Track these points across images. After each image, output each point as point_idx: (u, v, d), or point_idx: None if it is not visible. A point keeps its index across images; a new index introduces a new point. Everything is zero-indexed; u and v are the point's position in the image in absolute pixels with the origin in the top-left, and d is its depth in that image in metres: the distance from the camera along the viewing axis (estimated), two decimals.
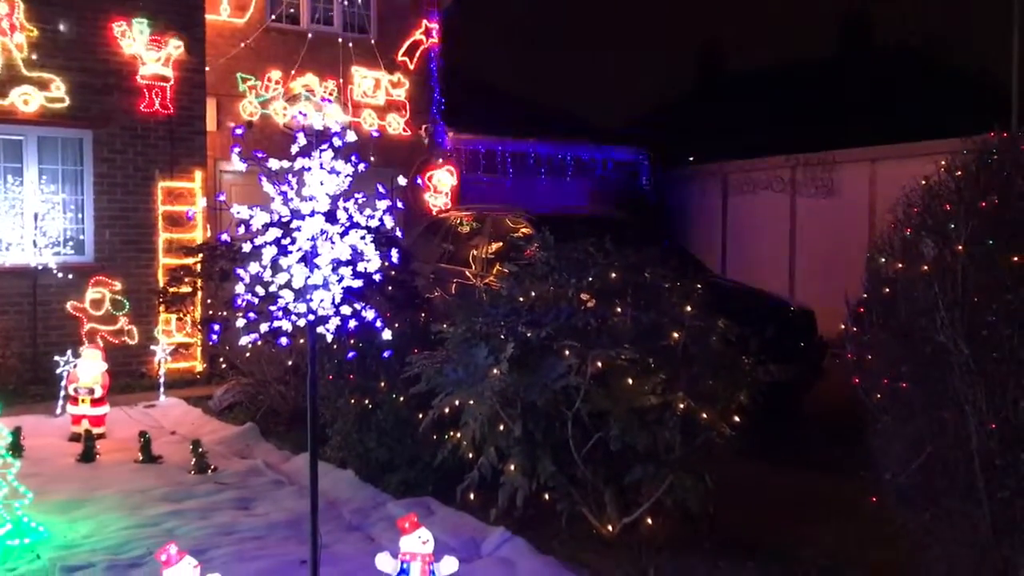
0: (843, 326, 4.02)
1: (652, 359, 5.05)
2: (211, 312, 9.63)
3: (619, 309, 5.30)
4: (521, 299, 5.49)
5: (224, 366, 9.68)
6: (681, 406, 4.99)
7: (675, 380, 5.04)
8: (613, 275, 5.34)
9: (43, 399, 9.15)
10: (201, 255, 9.50)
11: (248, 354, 8.67)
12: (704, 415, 5.05)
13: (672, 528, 5.32)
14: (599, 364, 4.98)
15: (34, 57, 10.13)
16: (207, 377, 10.77)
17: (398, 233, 4.60)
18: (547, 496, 5.36)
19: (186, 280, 9.86)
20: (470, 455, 5.49)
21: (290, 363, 8.19)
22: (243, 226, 4.28)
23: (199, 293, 10.11)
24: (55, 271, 10.20)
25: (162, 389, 9.65)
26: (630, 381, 4.97)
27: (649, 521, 5.27)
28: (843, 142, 15.24)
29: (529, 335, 5.08)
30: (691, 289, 5.55)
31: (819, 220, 15.05)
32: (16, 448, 7.11)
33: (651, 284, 5.42)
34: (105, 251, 10.68)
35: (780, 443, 7.09)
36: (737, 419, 5.28)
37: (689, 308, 5.35)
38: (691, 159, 18.29)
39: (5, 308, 10.11)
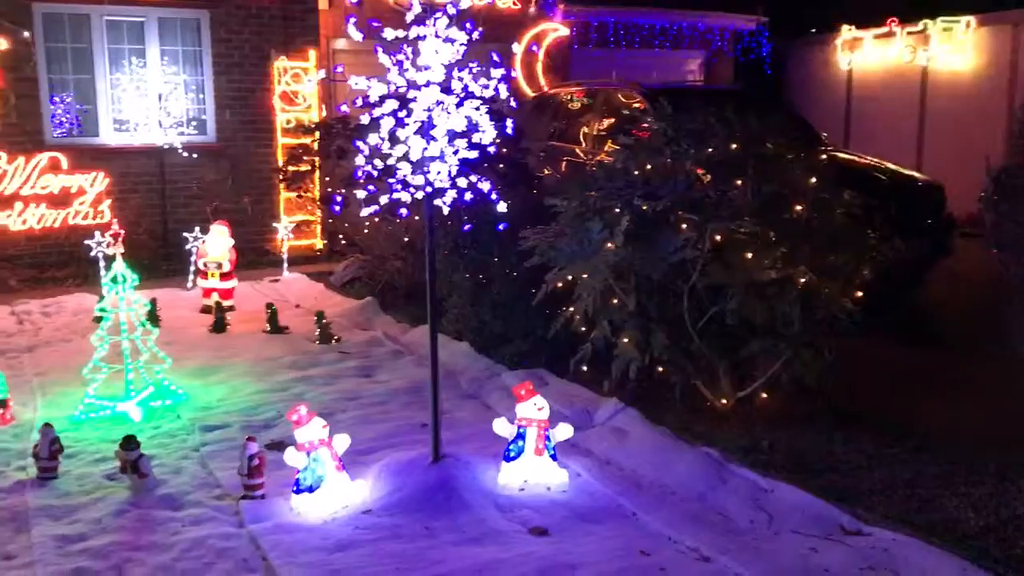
0: (982, 194, 3.80)
1: (773, 232, 4.93)
2: (329, 189, 9.83)
3: (739, 181, 5.15)
4: (636, 172, 5.40)
5: (344, 243, 9.94)
6: (802, 280, 4.88)
7: (796, 254, 4.92)
8: (733, 146, 5.17)
9: (174, 274, 9.61)
10: (318, 133, 9.64)
11: (366, 231, 8.87)
12: (826, 289, 4.93)
13: (786, 402, 5.30)
14: (717, 237, 4.89)
15: None
16: (327, 254, 11.10)
17: (512, 104, 4.54)
18: (660, 369, 5.39)
19: (304, 159, 10.06)
20: (583, 329, 5.54)
21: (406, 239, 8.33)
22: (361, 99, 4.31)
23: (317, 171, 10.32)
24: (180, 151, 10.55)
25: (285, 265, 10.00)
26: (749, 255, 4.87)
27: (764, 395, 5.26)
28: (979, 6, 14.12)
29: (645, 208, 5.02)
30: (815, 161, 5.34)
31: (953, 91, 14.14)
32: (153, 318, 7.55)
33: (773, 155, 5.22)
34: (226, 131, 10.96)
35: (902, 320, 6.89)
36: (860, 294, 5.14)
37: (813, 180, 5.16)
38: (813, 29, 17.31)
39: (136, 186, 10.56)
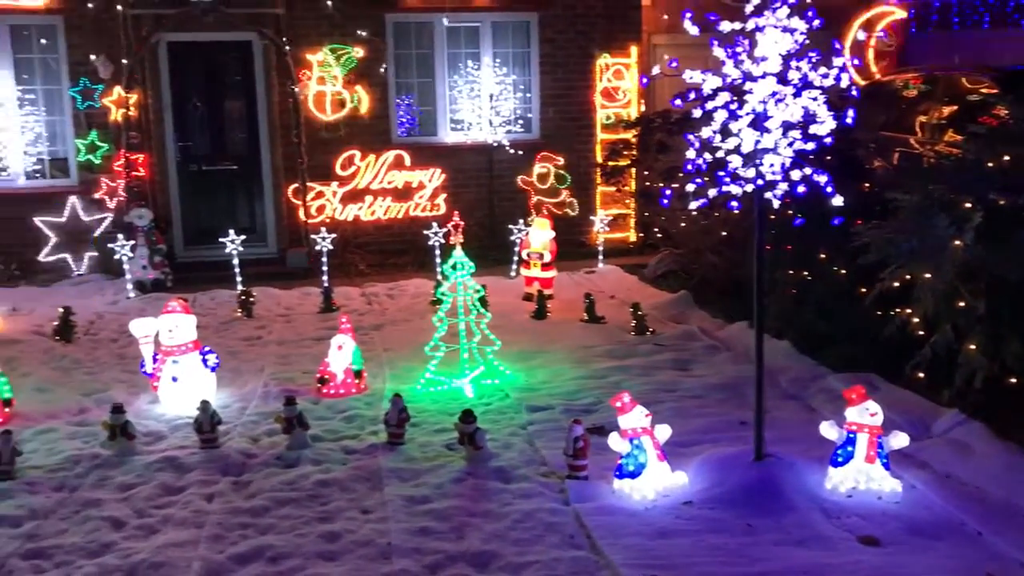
0: None
1: None
2: (647, 184, 9.94)
3: None
4: (990, 164, 4.94)
5: (659, 236, 10.01)
6: None
7: None
8: None
9: (498, 263, 10.17)
10: (638, 128, 9.78)
11: (682, 225, 8.88)
12: None
13: None
14: None
15: None
16: (640, 247, 11.24)
17: (853, 93, 4.34)
18: (1012, 380, 4.90)
19: (624, 153, 10.23)
20: (920, 332, 5.19)
21: (724, 233, 8.22)
22: (693, 92, 4.34)
23: (635, 166, 10.47)
24: (507, 147, 11.16)
25: (600, 257, 10.26)
26: None
27: None
28: None
29: (1002, 203, 4.59)
30: None
31: None
32: (483, 303, 8.07)
33: None
34: (549, 128, 11.44)
35: None
36: None
37: None
38: None
39: (467, 182, 11.33)
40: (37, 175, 10.60)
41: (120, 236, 9.06)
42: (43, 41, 10.39)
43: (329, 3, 10.45)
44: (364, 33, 10.66)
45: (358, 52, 10.71)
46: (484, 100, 11.26)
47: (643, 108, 11.43)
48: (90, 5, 10.06)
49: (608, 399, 5.07)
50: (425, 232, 9.30)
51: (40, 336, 7.72)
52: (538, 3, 11.10)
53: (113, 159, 10.37)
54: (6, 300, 8.70)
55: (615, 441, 4.49)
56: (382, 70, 10.85)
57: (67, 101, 10.41)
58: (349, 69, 10.74)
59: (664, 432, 4.59)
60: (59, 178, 10.63)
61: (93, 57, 10.17)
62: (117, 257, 8.97)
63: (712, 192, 4.37)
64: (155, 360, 6.09)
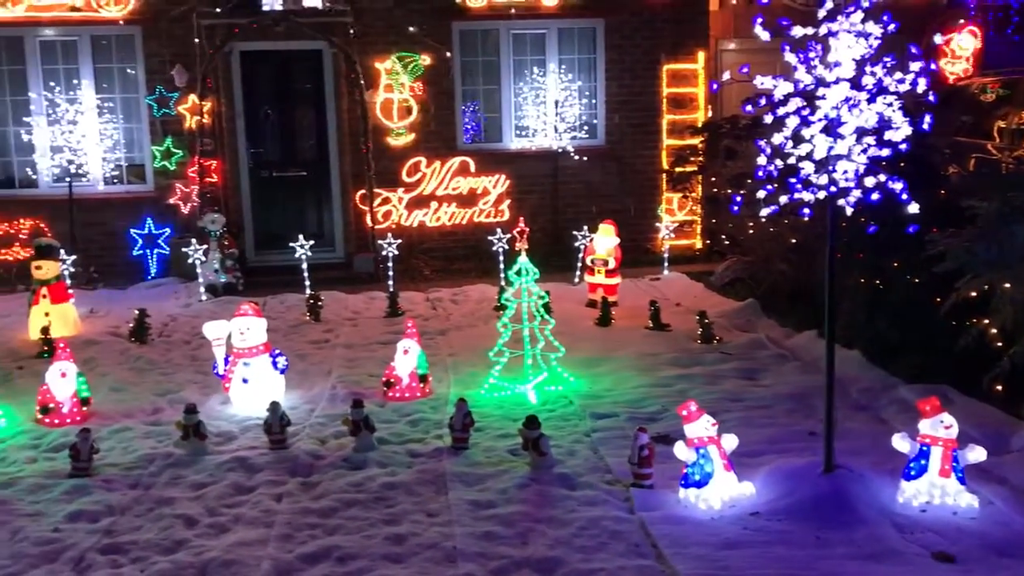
0: None
1: None
2: (714, 190, 9.83)
3: None
4: None
5: (726, 243, 9.90)
6: None
7: None
8: None
9: (561, 269, 10.15)
10: (705, 134, 9.68)
11: (750, 231, 8.76)
12: None
13: None
14: None
15: None
16: (706, 254, 11.12)
17: (931, 98, 4.25)
18: None
19: (691, 159, 10.11)
20: (998, 344, 5.04)
21: (793, 240, 8.09)
22: (763, 98, 4.29)
23: (701, 173, 10.36)
24: (572, 154, 11.15)
25: (665, 264, 10.18)
26: None
27: None
28: None
29: None
30: None
31: None
32: (547, 309, 8.06)
33: None
34: (614, 134, 11.40)
35: None
36: None
37: None
38: None
39: (532, 188, 11.35)
40: (115, 181, 10.93)
41: (193, 240, 9.29)
42: (126, 69, 10.71)
43: (413, 29, 10.54)
44: (431, 41, 10.76)
45: (425, 60, 10.82)
46: (549, 106, 11.27)
47: (710, 114, 11.33)
48: (163, 38, 10.32)
49: (673, 407, 5.03)
50: (489, 238, 9.34)
51: (116, 337, 7.95)
52: (604, 9, 11.09)
53: (187, 165, 10.65)
54: (85, 302, 8.98)
55: (681, 450, 4.45)
56: (449, 77, 10.95)
57: (144, 109, 10.73)
58: (416, 77, 10.86)
59: (731, 442, 4.53)
60: (136, 184, 10.95)
61: (173, 72, 10.45)
62: (190, 261, 9.21)
63: (783, 199, 4.32)
64: (227, 362, 6.22)
